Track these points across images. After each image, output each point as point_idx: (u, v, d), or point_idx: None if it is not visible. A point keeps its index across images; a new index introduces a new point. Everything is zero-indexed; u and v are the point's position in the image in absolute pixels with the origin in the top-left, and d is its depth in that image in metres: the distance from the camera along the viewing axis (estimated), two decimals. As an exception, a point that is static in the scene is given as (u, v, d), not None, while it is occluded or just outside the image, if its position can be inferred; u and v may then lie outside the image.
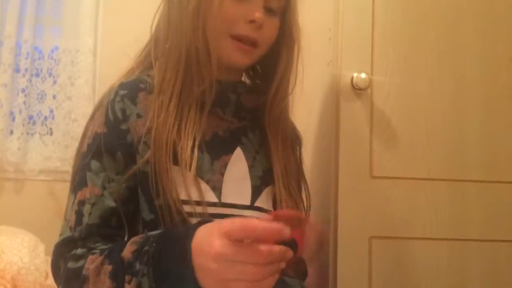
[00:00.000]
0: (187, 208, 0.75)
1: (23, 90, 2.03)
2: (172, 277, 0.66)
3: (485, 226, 1.08)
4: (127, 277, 0.67)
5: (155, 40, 0.86)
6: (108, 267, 0.70)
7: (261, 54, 0.85)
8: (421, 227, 1.06)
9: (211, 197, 0.78)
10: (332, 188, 1.06)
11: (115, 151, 0.77)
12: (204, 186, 0.78)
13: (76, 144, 0.84)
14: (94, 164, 0.77)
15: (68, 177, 0.83)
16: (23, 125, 2.03)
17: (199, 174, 0.77)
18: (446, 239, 1.07)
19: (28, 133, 2.06)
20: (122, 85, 0.81)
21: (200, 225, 0.67)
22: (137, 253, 0.68)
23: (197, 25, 0.79)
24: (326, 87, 1.13)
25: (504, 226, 1.08)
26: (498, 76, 1.11)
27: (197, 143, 0.78)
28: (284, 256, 0.61)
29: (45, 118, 2.08)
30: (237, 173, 0.82)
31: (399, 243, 1.07)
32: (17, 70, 2.05)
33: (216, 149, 0.81)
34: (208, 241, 0.62)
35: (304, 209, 0.90)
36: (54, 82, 2.09)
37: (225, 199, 0.79)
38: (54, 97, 2.09)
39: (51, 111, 2.09)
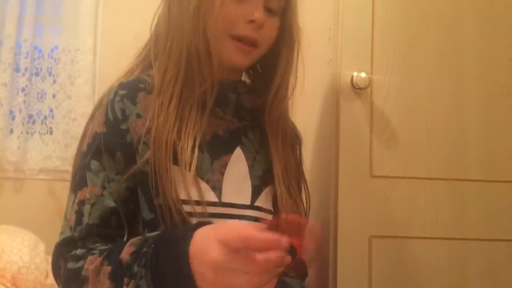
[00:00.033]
0: (187, 208, 0.75)
1: (23, 89, 2.03)
2: (170, 280, 0.66)
3: (485, 225, 1.08)
4: (125, 279, 0.68)
5: (155, 39, 0.86)
6: (107, 268, 0.70)
7: (261, 54, 0.85)
8: (421, 226, 1.06)
9: (211, 196, 0.78)
10: (332, 188, 1.06)
11: (114, 151, 0.77)
12: (204, 185, 0.78)
13: (76, 143, 0.84)
14: (94, 164, 0.77)
15: (68, 176, 0.83)
16: (23, 124, 2.03)
17: (199, 174, 0.77)
18: (446, 238, 1.07)
19: (28, 132, 2.06)
20: (121, 85, 0.81)
21: (199, 227, 0.67)
22: (135, 255, 0.68)
23: (197, 25, 0.79)
24: (326, 86, 1.13)
25: (503, 225, 1.08)
26: (498, 76, 1.11)
27: (197, 143, 0.78)
28: (282, 262, 0.62)
29: (45, 117, 2.09)
30: (237, 172, 0.82)
31: (399, 242, 1.07)
32: (17, 69, 2.05)
33: (216, 149, 0.81)
34: (205, 248, 0.63)
35: (304, 208, 0.90)
36: (54, 81, 2.09)
37: (225, 198, 0.79)
38: (54, 96, 2.09)
39: (51, 110, 2.09)
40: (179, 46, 0.80)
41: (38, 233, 1.70)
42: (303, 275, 0.91)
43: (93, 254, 0.73)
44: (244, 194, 0.81)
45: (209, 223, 0.73)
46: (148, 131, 0.77)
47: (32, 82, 2.08)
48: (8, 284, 1.53)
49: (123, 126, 0.78)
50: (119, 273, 0.69)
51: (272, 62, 0.86)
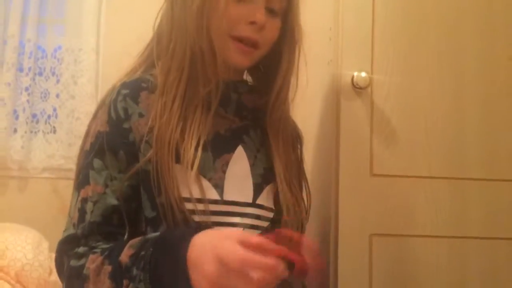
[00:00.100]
0: (189, 206, 0.76)
1: (26, 89, 2.04)
2: (168, 284, 0.67)
3: (485, 224, 1.08)
4: (125, 281, 0.69)
5: (157, 39, 0.86)
6: (108, 268, 0.71)
7: (262, 55, 0.85)
8: (421, 224, 1.07)
9: (213, 194, 0.79)
10: (333, 186, 1.07)
11: (117, 150, 0.78)
12: (206, 184, 0.78)
13: (79, 142, 0.85)
14: (97, 162, 0.78)
15: (72, 175, 0.84)
16: (27, 123, 2.03)
17: (201, 172, 0.78)
18: (446, 236, 1.07)
19: (31, 132, 2.07)
20: (124, 85, 0.82)
21: (198, 231, 0.68)
22: (134, 258, 0.69)
23: (201, 25, 0.79)
24: (326, 86, 1.13)
25: (503, 224, 1.09)
26: (498, 75, 1.11)
27: (201, 142, 0.78)
28: (278, 277, 0.62)
29: (49, 116, 2.09)
30: (239, 171, 0.82)
31: (399, 240, 1.07)
32: (20, 69, 2.06)
33: (218, 147, 0.81)
34: (202, 259, 0.64)
35: (305, 207, 0.91)
36: (57, 81, 2.10)
37: (227, 196, 0.80)
38: (57, 95, 2.09)
39: (54, 109, 2.09)
40: (182, 46, 0.80)
41: (42, 231, 1.71)
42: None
43: (94, 253, 0.74)
44: (246, 192, 0.82)
45: (208, 227, 0.74)
46: (151, 130, 0.78)
47: (36, 81, 2.08)
48: (12, 281, 1.54)
49: (126, 125, 0.79)
50: (118, 274, 0.70)
51: (274, 63, 0.86)
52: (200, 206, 0.77)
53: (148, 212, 0.77)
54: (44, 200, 1.99)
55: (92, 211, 0.76)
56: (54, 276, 1.54)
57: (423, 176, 1.08)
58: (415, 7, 1.11)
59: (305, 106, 1.15)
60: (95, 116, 0.83)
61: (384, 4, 1.09)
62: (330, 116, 1.10)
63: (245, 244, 0.63)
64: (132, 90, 0.81)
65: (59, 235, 0.79)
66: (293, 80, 0.87)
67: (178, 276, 0.66)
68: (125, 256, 0.70)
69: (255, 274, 0.61)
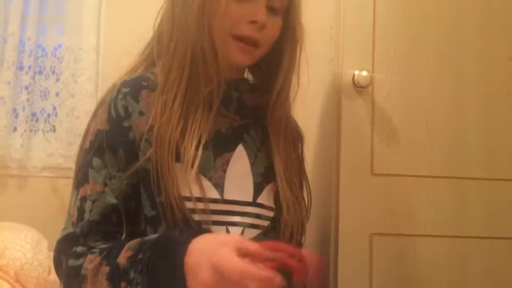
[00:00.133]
0: (189, 205, 0.76)
1: (26, 88, 2.04)
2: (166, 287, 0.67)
3: (485, 224, 1.08)
4: (122, 284, 0.69)
5: (158, 38, 0.86)
6: (105, 269, 0.71)
7: (263, 54, 0.85)
8: (421, 224, 1.07)
9: (213, 193, 0.78)
10: (333, 185, 1.06)
11: (116, 149, 0.78)
12: (206, 183, 0.78)
13: (79, 141, 0.85)
14: (96, 161, 0.78)
15: (71, 174, 0.84)
16: (26, 122, 2.03)
17: (201, 171, 0.78)
18: (446, 236, 1.07)
19: (31, 130, 2.07)
20: (124, 83, 0.81)
21: (196, 235, 0.68)
22: (132, 260, 0.69)
23: (202, 24, 0.78)
24: (327, 85, 1.13)
25: (504, 223, 1.09)
26: (498, 75, 1.11)
27: (202, 141, 0.78)
28: (273, 286, 0.62)
29: (48, 115, 2.09)
30: (239, 170, 0.82)
31: (399, 240, 1.07)
32: (20, 68, 2.06)
33: (219, 146, 0.81)
34: (198, 266, 0.64)
35: (306, 206, 0.90)
36: (57, 80, 2.10)
37: (227, 195, 0.80)
38: (57, 94, 2.09)
39: (54, 108, 2.10)
40: (183, 45, 0.80)
41: (41, 230, 1.71)
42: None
43: (92, 253, 0.74)
44: (246, 191, 0.82)
45: (208, 230, 0.74)
46: (151, 128, 0.77)
47: (36, 80, 2.08)
48: (11, 280, 1.54)
49: (126, 124, 0.78)
50: (116, 276, 0.70)
51: (275, 61, 0.86)
52: (200, 205, 0.77)
53: (148, 211, 0.77)
54: (44, 199, 1.99)
55: (91, 210, 0.76)
56: (53, 275, 1.53)
57: (424, 175, 1.08)
58: (416, 7, 1.11)
59: (306, 104, 1.15)
60: (95, 114, 0.83)
61: (385, 3, 1.09)
62: (330, 115, 1.10)
63: (243, 252, 0.63)
64: (133, 89, 0.81)
65: (58, 234, 0.79)
66: (294, 79, 0.87)
67: (175, 280, 0.66)
68: (123, 258, 0.70)
69: (251, 286, 0.61)
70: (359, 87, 1.06)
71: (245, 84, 0.90)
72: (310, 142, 1.08)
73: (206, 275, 0.63)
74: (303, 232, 0.88)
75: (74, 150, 1.90)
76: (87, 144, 0.81)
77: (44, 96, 2.09)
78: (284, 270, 0.64)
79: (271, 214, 0.84)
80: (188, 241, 0.67)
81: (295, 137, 0.94)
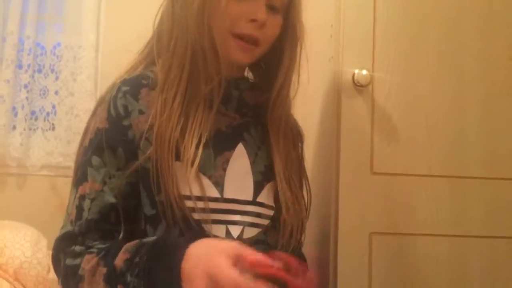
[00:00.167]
0: (189, 204, 0.76)
1: (25, 86, 2.04)
2: None
3: (485, 223, 1.08)
4: (119, 286, 0.69)
5: (158, 36, 0.86)
6: (103, 269, 0.71)
7: (263, 52, 0.85)
8: (421, 223, 1.07)
9: (213, 192, 0.78)
10: (333, 184, 1.06)
11: (116, 147, 0.77)
12: (206, 181, 0.78)
13: (78, 140, 0.85)
14: (95, 159, 0.78)
15: (70, 172, 0.84)
16: (26, 120, 2.03)
17: (202, 170, 0.78)
18: (446, 235, 1.07)
19: (30, 129, 2.07)
20: (124, 82, 0.81)
21: (193, 239, 0.68)
22: (129, 263, 0.70)
23: (202, 23, 0.78)
24: (327, 83, 1.13)
25: (503, 222, 1.09)
26: (498, 74, 1.11)
27: (203, 140, 0.78)
28: None
29: (48, 113, 2.09)
30: (239, 168, 0.82)
31: (399, 239, 1.07)
32: (19, 66, 2.06)
33: (219, 145, 0.81)
34: (194, 274, 0.65)
35: (305, 205, 0.90)
36: (57, 78, 2.10)
37: (227, 194, 0.79)
38: (56, 92, 2.09)
39: (54, 106, 2.10)
40: (183, 44, 0.80)
41: (40, 228, 1.71)
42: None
43: (90, 252, 0.74)
44: (246, 190, 0.82)
45: (205, 234, 0.74)
46: (151, 127, 0.77)
47: (35, 78, 2.08)
48: (10, 279, 1.54)
49: (125, 122, 0.78)
50: (113, 278, 0.70)
51: (275, 60, 0.86)
52: (200, 204, 0.76)
53: (148, 210, 0.77)
54: (43, 197, 1.99)
55: (89, 209, 0.76)
56: (53, 274, 1.53)
57: (424, 174, 1.08)
58: (416, 6, 1.11)
59: (306, 103, 1.15)
60: (94, 112, 0.83)
61: (385, 2, 1.09)
62: (330, 114, 1.10)
63: (240, 260, 0.64)
64: (132, 87, 0.80)
65: (57, 233, 0.79)
66: (294, 77, 0.87)
67: (171, 285, 0.66)
68: (120, 261, 0.70)
69: None
70: (359, 86, 1.06)
71: (245, 83, 0.89)
72: (310, 140, 1.08)
73: (201, 283, 0.63)
74: (302, 231, 0.88)
75: (73, 148, 1.90)
76: (86, 143, 0.80)
77: (43, 94, 2.09)
78: (279, 282, 0.64)
79: (271, 213, 0.84)
80: (185, 245, 0.68)
81: (295, 136, 0.94)
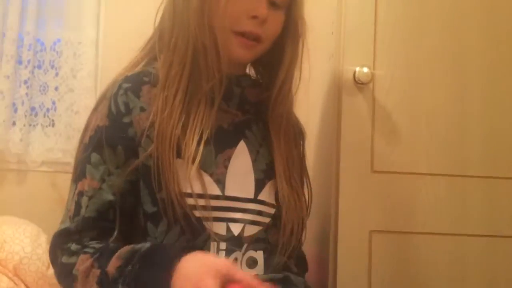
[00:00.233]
0: (190, 201, 0.76)
1: (25, 82, 2.03)
2: None
3: (485, 221, 1.08)
4: None
5: (160, 33, 0.85)
6: (96, 271, 0.71)
7: (265, 49, 0.84)
8: (421, 221, 1.07)
9: (214, 190, 0.78)
10: (333, 182, 1.06)
11: (115, 145, 0.77)
12: (208, 179, 0.78)
13: (77, 136, 0.85)
14: (94, 157, 0.78)
15: (70, 169, 0.84)
16: (25, 116, 2.03)
17: (203, 167, 0.78)
18: (446, 233, 1.07)
19: (30, 125, 2.06)
20: (126, 79, 0.81)
21: (185, 253, 0.68)
22: (121, 271, 0.70)
23: (202, 21, 0.78)
24: (328, 81, 1.13)
25: (504, 221, 1.09)
26: (500, 72, 1.11)
27: (204, 137, 0.78)
28: None
29: (47, 109, 2.09)
30: (241, 166, 0.82)
31: (399, 237, 1.07)
32: (19, 62, 2.05)
33: (220, 142, 0.81)
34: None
35: (306, 203, 0.90)
36: (56, 74, 2.09)
37: (229, 192, 0.79)
38: (56, 89, 2.09)
39: (53, 103, 2.09)
40: (184, 42, 0.80)
41: (40, 224, 1.70)
42: (303, 270, 0.91)
43: (85, 253, 0.74)
44: (248, 188, 0.82)
45: (206, 233, 0.75)
46: (152, 124, 0.77)
47: (35, 74, 2.07)
48: (10, 275, 1.54)
49: (126, 120, 0.78)
50: (105, 283, 0.70)
51: (277, 56, 0.86)
52: (201, 202, 0.76)
53: (149, 207, 0.77)
54: (43, 193, 1.99)
55: (87, 206, 0.76)
56: (52, 270, 1.53)
57: (424, 173, 1.08)
58: (417, 3, 1.11)
59: (306, 101, 1.14)
60: (95, 109, 0.83)
61: (386, -1, 1.08)
62: (331, 111, 1.10)
63: (229, 280, 0.64)
64: (134, 84, 0.80)
65: (57, 229, 0.79)
66: (296, 75, 0.86)
67: None
68: (112, 268, 0.71)
69: None
70: (360, 84, 1.06)
71: (247, 80, 0.89)
72: (310, 138, 1.08)
73: None
74: (303, 229, 0.88)
75: (73, 144, 1.90)
76: (86, 139, 0.80)
77: (43, 90, 2.08)
78: None
79: (272, 211, 0.84)
80: (177, 259, 0.68)
81: (297, 134, 0.94)
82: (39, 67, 2.09)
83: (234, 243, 0.79)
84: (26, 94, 2.03)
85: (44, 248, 1.60)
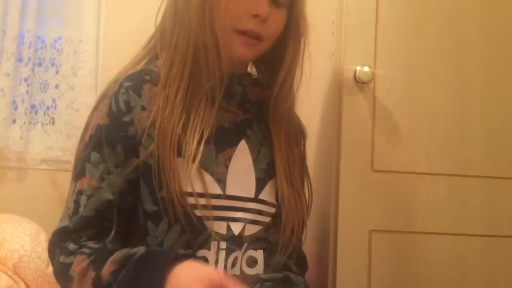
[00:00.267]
0: (191, 200, 0.75)
1: (25, 80, 2.03)
2: None
3: (485, 221, 1.08)
4: None
5: (161, 32, 0.85)
6: (92, 273, 0.72)
7: (267, 48, 0.84)
8: (421, 221, 1.07)
9: (215, 189, 0.78)
10: (333, 181, 1.06)
11: (115, 144, 0.77)
12: (209, 178, 0.78)
13: (78, 134, 0.85)
14: (94, 155, 0.77)
15: (70, 167, 0.84)
16: (26, 114, 2.03)
17: (204, 166, 0.78)
18: (446, 233, 1.07)
19: (30, 123, 2.06)
20: (127, 77, 0.81)
21: (180, 260, 0.69)
22: (115, 275, 0.70)
23: (203, 20, 0.78)
24: (328, 80, 1.13)
25: (504, 221, 1.09)
26: (501, 71, 1.11)
27: (205, 136, 0.78)
28: None
29: (48, 107, 2.09)
30: (242, 165, 0.82)
31: (399, 237, 1.07)
32: (19, 60, 2.05)
33: (221, 141, 0.81)
34: None
35: (306, 203, 0.90)
36: (57, 72, 2.09)
37: (229, 191, 0.79)
38: (56, 86, 2.09)
39: (54, 100, 2.09)
40: (185, 40, 0.80)
41: (40, 222, 1.71)
42: (303, 270, 0.91)
43: (82, 253, 0.74)
44: (248, 187, 0.82)
45: (207, 233, 0.75)
46: (153, 123, 0.77)
47: (35, 72, 2.08)
48: (10, 272, 1.54)
49: (127, 118, 0.78)
50: (100, 286, 0.70)
51: (279, 55, 0.86)
52: (202, 201, 0.76)
53: (149, 206, 0.77)
54: (43, 191, 1.99)
55: (86, 205, 0.76)
56: (51, 268, 1.54)
57: (424, 172, 1.07)
58: (418, 3, 1.10)
59: (307, 100, 1.14)
60: (96, 107, 0.83)
61: (387, -2, 1.08)
62: (332, 110, 1.09)
63: None
64: (135, 83, 0.80)
65: (56, 227, 0.79)
66: (297, 74, 0.86)
67: None
68: (106, 272, 0.71)
69: None
70: (360, 83, 1.05)
71: (249, 79, 0.89)
72: (311, 138, 1.07)
73: None
74: (303, 228, 0.88)
75: (73, 143, 1.91)
76: (86, 138, 0.80)
77: (44, 88, 2.09)
78: None
79: (272, 210, 0.84)
80: (170, 266, 0.68)
81: (298, 133, 0.94)
82: (40, 64, 2.10)
83: (235, 243, 0.79)
84: (27, 91, 2.03)
85: (43, 246, 1.61)
